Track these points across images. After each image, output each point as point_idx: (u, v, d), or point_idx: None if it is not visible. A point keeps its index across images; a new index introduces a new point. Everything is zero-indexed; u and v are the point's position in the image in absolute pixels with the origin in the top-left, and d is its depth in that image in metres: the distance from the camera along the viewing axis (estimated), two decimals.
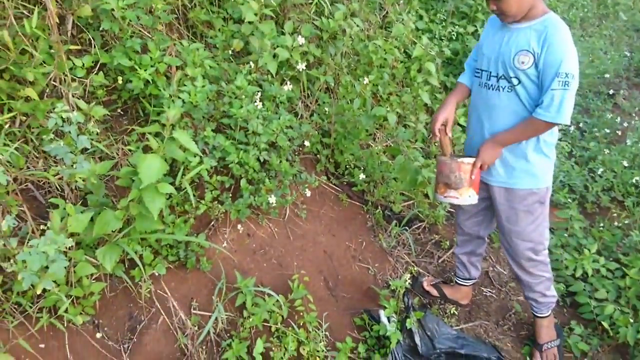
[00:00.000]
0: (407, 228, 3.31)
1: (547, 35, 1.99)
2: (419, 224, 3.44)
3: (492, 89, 2.21)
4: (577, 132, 4.80)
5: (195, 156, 2.29)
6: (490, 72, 2.22)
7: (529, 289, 2.54)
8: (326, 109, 3.24)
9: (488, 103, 2.25)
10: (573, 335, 2.78)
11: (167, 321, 2.17)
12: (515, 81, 2.13)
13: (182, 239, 2.27)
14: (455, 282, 2.90)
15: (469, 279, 2.85)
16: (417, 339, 2.37)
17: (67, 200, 2.07)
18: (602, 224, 3.57)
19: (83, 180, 1.98)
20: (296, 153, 3.13)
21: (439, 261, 3.21)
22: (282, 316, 2.36)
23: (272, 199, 2.50)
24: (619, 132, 4.70)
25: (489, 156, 2.22)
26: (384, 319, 2.50)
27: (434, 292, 2.88)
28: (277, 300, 2.34)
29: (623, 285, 2.95)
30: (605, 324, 2.78)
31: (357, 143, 3.35)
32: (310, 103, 3.38)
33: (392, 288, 2.44)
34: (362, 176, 3.23)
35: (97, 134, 2.24)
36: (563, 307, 3.04)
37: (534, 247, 2.40)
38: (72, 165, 1.94)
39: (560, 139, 4.44)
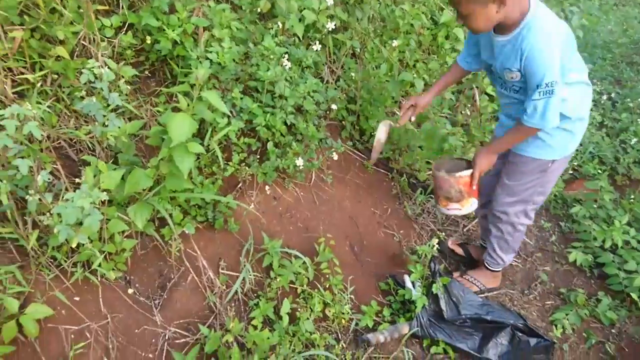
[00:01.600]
0: (432, 196, 3.28)
1: (522, 50, 1.93)
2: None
3: (501, 87, 2.21)
4: (609, 103, 4.66)
5: (223, 117, 2.29)
6: (496, 73, 2.18)
7: (490, 237, 2.59)
8: (352, 74, 3.19)
9: (502, 94, 2.24)
10: (601, 305, 2.75)
11: (196, 279, 2.21)
12: (515, 87, 2.12)
13: (211, 199, 2.28)
14: (480, 244, 2.90)
15: None
16: (443, 304, 2.37)
17: (98, 159, 2.09)
18: (632, 196, 3.49)
19: (114, 139, 2.00)
20: (322, 118, 3.11)
21: (464, 230, 3.18)
22: (308, 278, 2.38)
23: (299, 162, 2.50)
24: None
25: (485, 164, 2.26)
26: (409, 284, 2.51)
27: (459, 251, 2.90)
28: (304, 262, 2.36)
29: None
30: (634, 296, 2.75)
31: (382, 110, 3.31)
32: (336, 68, 3.33)
33: (419, 253, 2.43)
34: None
35: (127, 94, 2.25)
36: (590, 278, 3.00)
37: (516, 202, 2.40)
38: (103, 124, 1.95)
39: (591, 109, 4.32)
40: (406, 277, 2.55)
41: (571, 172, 3.76)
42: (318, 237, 2.51)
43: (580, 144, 3.99)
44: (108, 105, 1.97)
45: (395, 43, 3.13)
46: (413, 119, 2.50)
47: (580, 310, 2.72)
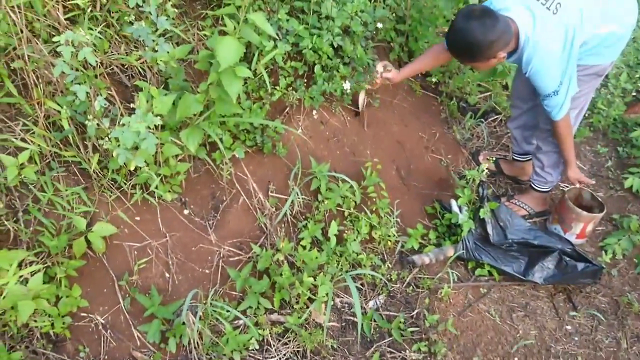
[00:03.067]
0: (482, 120, 3.19)
1: (527, 67, 2.10)
2: (495, 117, 3.31)
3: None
4: None
5: (270, 40, 2.26)
6: None
7: (538, 154, 2.60)
8: None
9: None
10: None
11: (247, 202, 2.29)
12: None
13: (259, 124, 2.31)
14: (512, 158, 2.88)
15: (524, 154, 2.82)
16: (490, 228, 2.38)
17: (150, 84, 2.13)
18: None
19: (164, 64, 2.02)
20: (369, 39, 3.01)
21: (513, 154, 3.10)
22: (355, 202, 2.42)
23: (347, 86, 2.46)
24: None
25: (575, 175, 2.48)
26: (455, 208, 2.51)
27: (490, 166, 2.89)
28: (351, 186, 2.39)
29: None
30: None
31: (433, 30, 3.16)
32: None
33: (467, 178, 2.41)
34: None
35: (173, 18, 2.24)
36: None
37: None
38: (153, 49, 1.97)
39: None
40: (453, 201, 2.55)
41: (634, 94, 3.54)
42: (365, 162, 2.52)
43: None
44: (156, 29, 1.98)
45: None
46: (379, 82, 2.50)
47: (633, 236, 2.67)
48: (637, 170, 3.02)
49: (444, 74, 3.30)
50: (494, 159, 2.95)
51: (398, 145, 2.82)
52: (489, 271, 2.40)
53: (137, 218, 2.06)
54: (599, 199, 2.62)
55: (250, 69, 2.19)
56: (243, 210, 2.28)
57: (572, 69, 2.10)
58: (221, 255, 2.16)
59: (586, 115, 3.42)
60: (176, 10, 2.10)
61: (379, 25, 2.83)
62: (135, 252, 2.01)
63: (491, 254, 2.38)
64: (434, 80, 3.26)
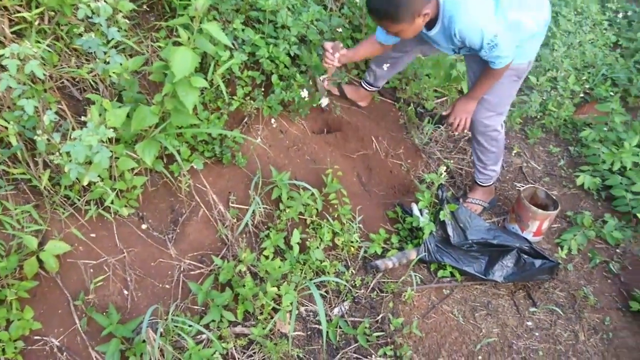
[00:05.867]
0: (440, 125, 3.26)
1: (454, 33, 2.09)
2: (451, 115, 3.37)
3: (453, 52, 2.35)
4: (625, 22, 4.49)
5: (225, 50, 2.25)
6: (442, 49, 2.35)
7: (478, 156, 2.68)
8: (357, 0, 3.08)
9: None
10: (607, 226, 2.79)
11: (207, 213, 2.26)
12: (465, 50, 2.26)
13: (217, 134, 2.29)
14: (360, 84, 2.96)
15: (372, 86, 2.90)
16: (450, 230, 2.42)
17: (103, 97, 2.08)
18: None
19: (117, 76, 1.98)
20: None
21: (471, 156, 3.17)
22: (317, 209, 2.42)
23: (304, 94, 2.47)
24: None
25: (464, 111, 2.47)
26: (416, 212, 2.55)
27: (334, 91, 2.93)
28: (312, 194, 2.39)
29: None
30: None
31: None
32: None
33: (427, 181, 2.45)
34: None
35: (126, 30, 2.20)
36: (597, 201, 3.03)
37: (495, 115, 2.49)
38: (104, 61, 1.93)
39: (605, 29, 4.17)
40: (414, 205, 2.59)
41: (582, 95, 3.69)
42: (326, 169, 2.53)
43: (593, 66, 3.90)
44: (108, 41, 1.94)
45: None
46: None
47: (586, 231, 2.76)
48: (587, 169, 3.14)
49: (401, 80, 3.35)
50: (338, 82, 2.91)
51: (359, 151, 2.84)
52: (451, 272, 2.44)
53: (93, 235, 2.00)
54: (553, 197, 2.70)
55: (206, 80, 2.18)
56: (203, 223, 2.25)
57: (504, 21, 2.11)
58: (182, 269, 2.12)
59: (537, 117, 3.55)
60: (128, 22, 2.06)
61: (339, 30, 2.86)
62: (91, 270, 1.95)
63: (452, 255, 2.42)
64: (391, 86, 3.31)
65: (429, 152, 3.11)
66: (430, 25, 2.17)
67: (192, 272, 2.14)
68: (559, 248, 2.67)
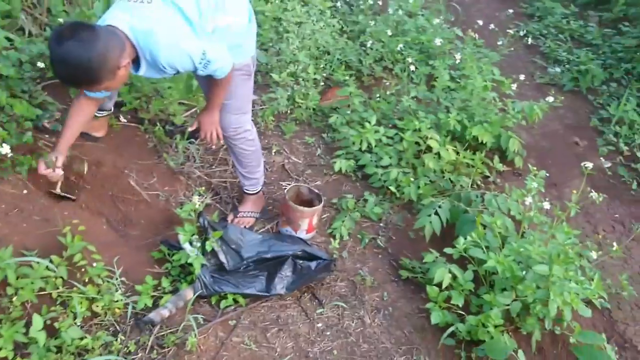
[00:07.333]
0: (193, 139, 3.05)
1: (163, 67, 1.98)
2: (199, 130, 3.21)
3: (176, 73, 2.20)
4: (346, 7, 4.87)
5: None
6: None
7: (237, 165, 2.64)
8: (61, 19, 2.65)
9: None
10: (368, 204, 2.96)
11: None
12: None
13: None
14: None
15: (102, 110, 2.65)
16: (222, 257, 2.26)
17: None
18: (378, 95, 3.75)
19: None
20: (36, 81, 2.56)
21: (234, 168, 3.06)
22: (62, 277, 2.02)
23: (4, 150, 2.00)
24: (380, 2, 4.87)
25: (212, 124, 2.38)
26: (185, 245, 2.32)
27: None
28: (51, 261, 1.98)
29: (402, 148, 3.19)
30: (392, 188, 3.02)
31: None
32: (40, 14, 2.73)
33: (187, 208, 2.24)
34: None
35: None
36: (356, 182, 3.20)
37: (239, 116, 2.45)
38: None
39: (330, 17, 4.45)
40: (180, 236, 2.35)
41: (322, 83, 3.86)
42: (62, 227, 2.12)
43: (328, 52, 4.12)
44: None
45: None
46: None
47: (352, 214, 2.89)
48: (341, 153, 3.30)
49: (141, 99, 3.04)
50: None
51: (103, 192, 2.47)
52: (234, 299, 2.30)
53: None
54: (316, 191, 2.75)
55: None
56: None
57: (205, 35, 2.03)
58: None
59: (288, 111, 3.61)
60: None
61: (40, 64, 2.42)
62: None
63: (231, 281, 2.27)
64: (130, 108, 2.98)
65: (187, 173, 2.89)
66: (135, 63, 1.97)
67: None
68: (332, 238, 2.74)
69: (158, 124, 3.00)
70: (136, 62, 2.00)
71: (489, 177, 3.24)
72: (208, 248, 2.20)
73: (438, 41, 3.91)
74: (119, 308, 2.10)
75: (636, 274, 2.77)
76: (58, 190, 2.28)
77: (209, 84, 2.23)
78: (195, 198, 2.18)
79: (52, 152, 2.18)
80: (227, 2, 2.12)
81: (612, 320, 2.50)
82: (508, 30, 4.48)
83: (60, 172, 2.19)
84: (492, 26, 4.60)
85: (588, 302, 2.30)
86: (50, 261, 2.00)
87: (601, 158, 3.57)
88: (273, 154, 3.28)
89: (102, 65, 1.82)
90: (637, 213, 3.21)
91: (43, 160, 2.13)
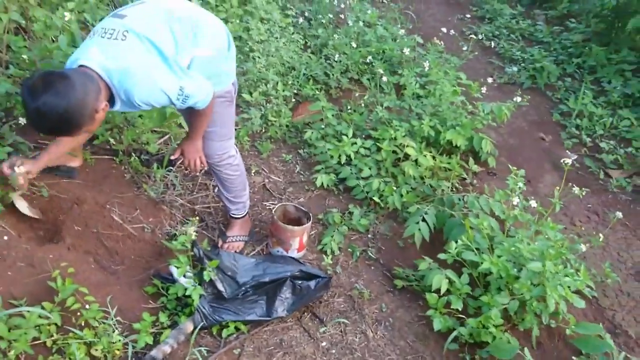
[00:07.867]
0: (171, 167, 2.99)
1: (137, 103, 1.91)
2: (182, 158, 3.14)
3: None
4: (305, 22, 4.90)
5: None
6: None
7: (222, 191, 2.60)
8: (24, 56, 2.55)
9: None
10: (354, 216, 2.97)
11: None
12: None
13: None
14: None
15: None
16: (220, 285, 2.21)
17: None
18: (349, 107, 3.79)
19: None
20: (3, 121, 2.45)
21: (216, 190, 3.01)
22: (56, 324, 1.93)
23: None
24: (341, 15, 4.94)
25: (195, 152, 2.35)
26: (177, 276, 2.26)
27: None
28: (43, 308, 1.89)
29: (380, 158, 3.23)
30: (376, 198, 3.04)
31: None
32: (0, 52, 2.62)
33: (180, 241, 2.18)
34: None
35: None
36: (339, 195, 3.21)
37: (222, 143, 2.42)
38: None
39: (292, 33, 4.46)
40: (172, 268, 2.29)
41: (294, 99, 3.87)
42: (51, 271, 2.03)
43: (293, 68, 4.13)
44: None
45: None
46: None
47: (340, 228, 2.90)
48: (320, 167, 3.31)
49: (112, 130, 2.96)
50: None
51: (88, 231, 2.38)
52: (235, 327, 2.25)
53: None
54: (303, 209, 2.74)
55: None
56: None
57: (181, 70, 1.96)
58: None
59: (262, 130, 3.59)
60: None
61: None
62: None
63: (231, 309, 2.22)
64: (103, 140, 2.89)
65: (169, 202, 2.82)
66: (109, 100, 1.92)
67: None
68: (323, 254, 2.73)
69: (133, 154, 2.92)
70: (110, 99, 1.93)
71: (465, 179, 3.31)
72: (206, 278, 2.15)
73: (406, 50, 3.97)
74: (118, 349, 2.01)
75: (616, 261, 2.89)
76: (18, 203, 2.19)
77: (191, 113, 2.19)
78: (191, 229, 2.12)
79: (21, 158, 2.10)
80: (204, 32, 2.06)
81: (600, 308, 2.60)
82: (472, 36, 4.63)
83: (22, 180, 2.09)
84: (452, 32, 4.74)
85: (577, 293, 2.38)
86: (42, 308, 1.90)
87: (567, 151, 3.72)
88: (252, 174, 3.25)
89: (81, 113, 1.76)
90: (608, 201, 3.35)
91: (10, 160, 2.05)
